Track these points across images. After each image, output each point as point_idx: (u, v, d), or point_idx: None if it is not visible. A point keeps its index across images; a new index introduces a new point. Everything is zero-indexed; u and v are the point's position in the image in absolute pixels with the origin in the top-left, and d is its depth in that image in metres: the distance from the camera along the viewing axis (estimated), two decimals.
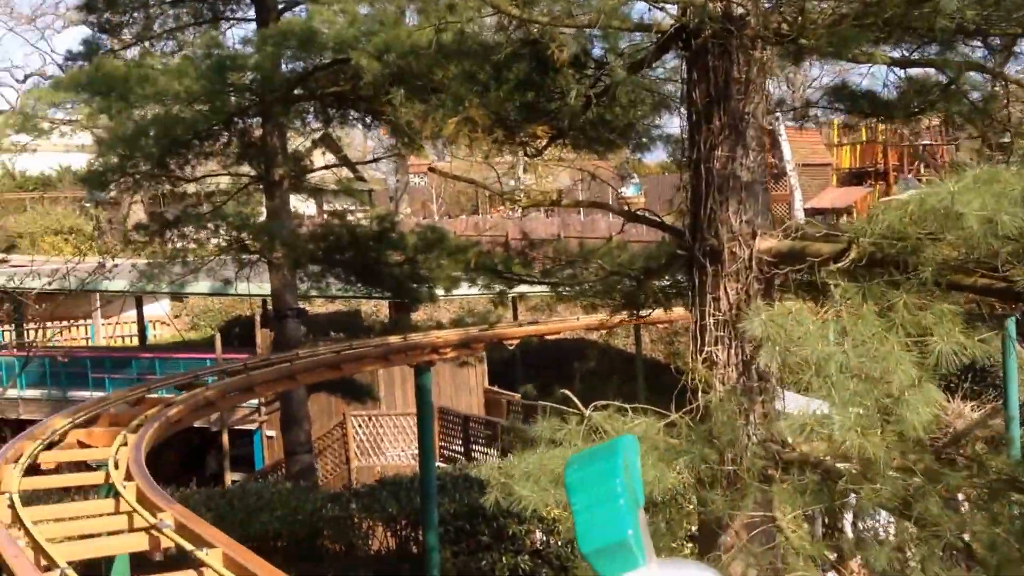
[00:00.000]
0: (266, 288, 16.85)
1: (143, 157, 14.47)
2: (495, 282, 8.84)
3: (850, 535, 7.71)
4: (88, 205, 44.04)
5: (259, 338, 25.46)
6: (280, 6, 16.35)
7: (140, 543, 5.18)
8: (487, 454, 23.20)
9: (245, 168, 16.15)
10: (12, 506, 5.34)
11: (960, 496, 5.90)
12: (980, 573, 5.53)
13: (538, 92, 6.68)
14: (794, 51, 6.42)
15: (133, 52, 16.08)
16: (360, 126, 18.32)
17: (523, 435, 7.13)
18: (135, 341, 37.60)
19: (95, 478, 6.32)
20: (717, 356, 6.13)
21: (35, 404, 26.73)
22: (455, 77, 7.18)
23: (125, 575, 5.67)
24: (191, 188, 16.97)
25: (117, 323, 38.49)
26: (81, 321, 39.26)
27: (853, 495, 5.91)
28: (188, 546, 4.75)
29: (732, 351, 6.12)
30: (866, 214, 5.67)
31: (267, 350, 25.07)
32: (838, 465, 5.61)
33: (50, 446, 7.04)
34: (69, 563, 4.63)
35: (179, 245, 16.16)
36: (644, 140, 8.50)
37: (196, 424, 26.01)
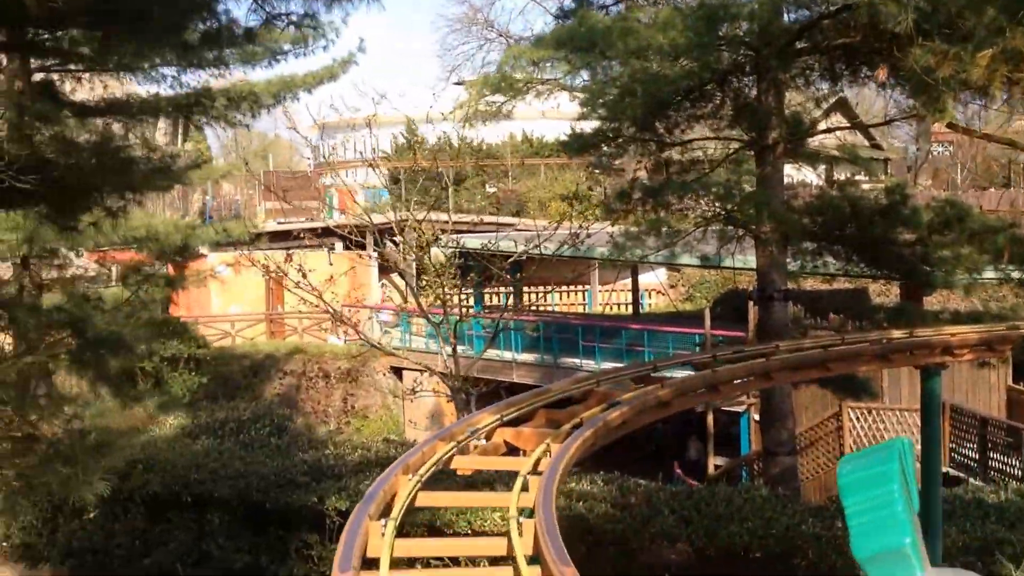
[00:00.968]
0: (753, 263, 15.37)
1: (628, 120, 13.58)
2: None
3: None
4: (595, 171, 45.26)
5: (751, 316, 24.09)
6: None
7: None
8: (1007, 465, 20.15)
9: (735, 132, 14.72)
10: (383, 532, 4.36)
11: None
12: None
13: None
14: None
15: (621, 8, 15.22)
16: (873, 84, 16.11)
17: None
18: (630, 309, 38.05)
19: (494, 501, 5.35)
20: None
21: (527, 368, 27.46)
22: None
23: None
24: (675, 154, 15.86)
25: (612, 290, 39.07)
26: (578, 287, 40.56)
27: None
28: None
29: None
30: None
31: (753, 333, 23.59)
32: None
33: (463, 450, 6.13)
34: None
35: (662, 215, 15.18)
36: None
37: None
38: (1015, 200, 35.30)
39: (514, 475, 5.57)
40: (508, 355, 27.31)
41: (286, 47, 20.42)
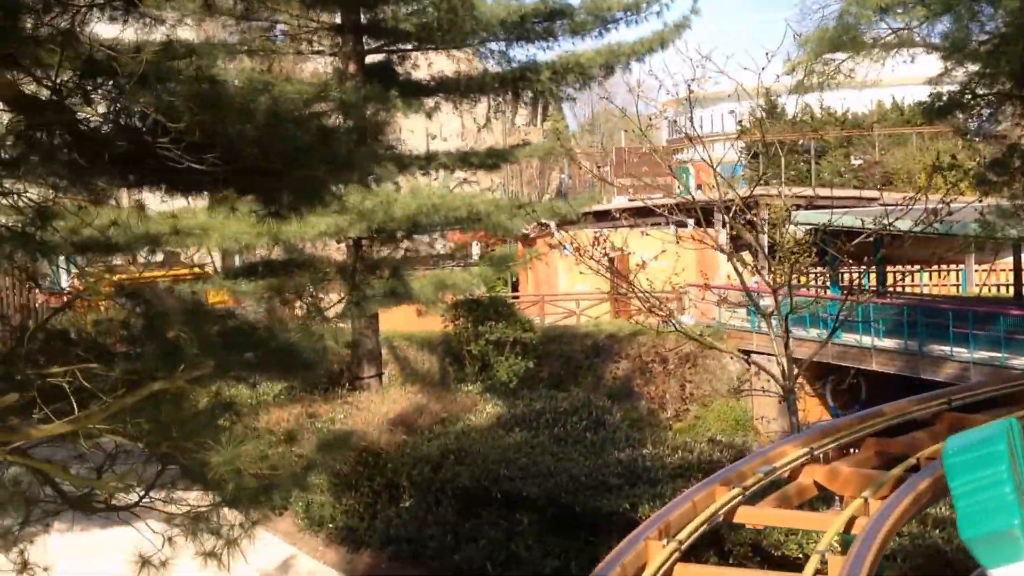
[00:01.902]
0: None
1: (1003, 73, 11.39)
2: None
3: None
4: (972, 139, 40.77)
5: None
6: None
7: None
8: None
9: None
10: None
11: None
12: None
13: None
14: None
15: None
16: None
17: None
18: (1011, 291, 33.98)
19: None
20: None
21: (887, 356, 24.89)
22: None
23: None
24: None
25: (991, 270, 35.01)
26: (950, 267, 36.80)
27: None
28: None
29: None
30: None
31: None
32: None
33: (757, 494, 4.79)
34: None
35: None
36: None
37: None
38: None
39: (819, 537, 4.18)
40: (867, 340, 24.85)
41: (617, 14, 19.44)
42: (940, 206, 12.35)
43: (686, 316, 32.03)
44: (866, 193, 34.54)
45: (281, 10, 17.48)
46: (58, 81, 5.33)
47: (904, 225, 15.96)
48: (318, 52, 18.98)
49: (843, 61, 12.73)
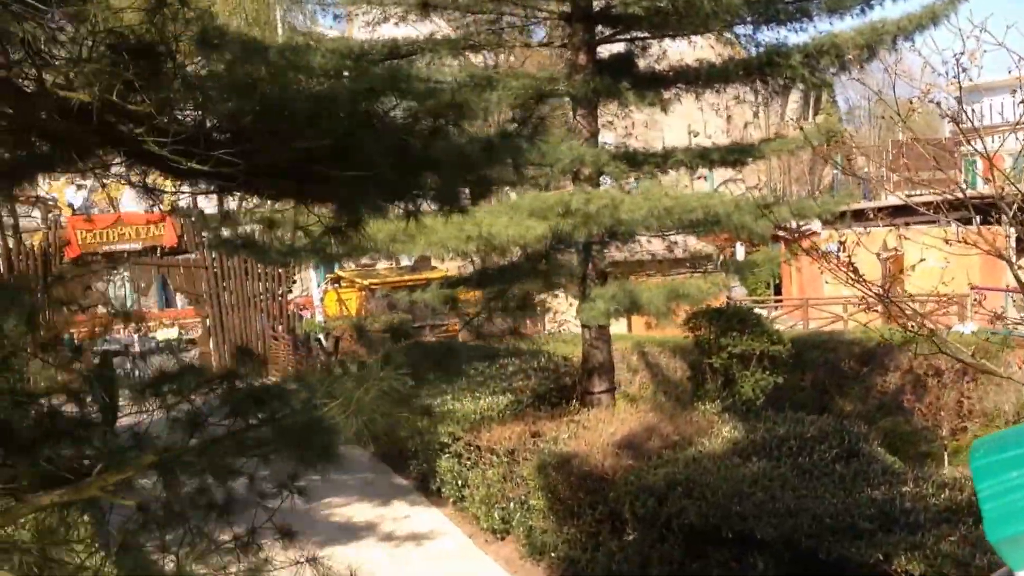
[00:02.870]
0: None
1: None
2: None
3: None
4: None
5: None
6: None
7: None
8: None
9: None
10: None
11: None
12: None
13: None
14: None
15: None
16: None
17: None
18: None
19: None
20: None
21: None
22: None
23: None
24: None
25: None
26: None
27: None
28: None
29: None
30: None
31: None
32: None
33: None
34: None
35: None
36: None
37: None
38: None
39: None
40: None
41: None
42: None
43: (967, 324, 29.26)
44: None
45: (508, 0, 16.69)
46: None
47: None
48: (546, 44, 18.10)
49: None
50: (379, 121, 5.04)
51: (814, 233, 35.03)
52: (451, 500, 16.24)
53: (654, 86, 16.97)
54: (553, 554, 14.09)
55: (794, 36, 17.86)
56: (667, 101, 17.03)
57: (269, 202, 7.33)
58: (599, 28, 17.26)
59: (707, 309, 18.88)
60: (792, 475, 11.93)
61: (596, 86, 16.39)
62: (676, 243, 19.81)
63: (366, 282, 33.39)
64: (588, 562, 13.36)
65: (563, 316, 27.23)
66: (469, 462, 15.78)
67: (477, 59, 23.99)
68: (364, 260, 29.12)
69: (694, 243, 27.39)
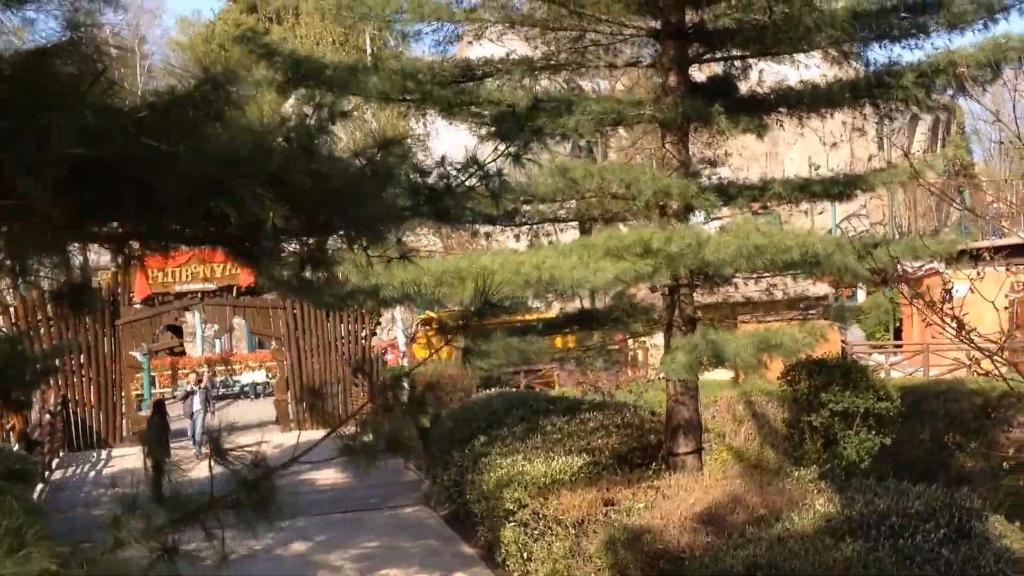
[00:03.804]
0: None
1: None
2: None
3: None
4: None
5: None
6: None
7: None
8: None
9: None
10: None
11: None
12: None
13: None
14: None
15: None
16: None
17: None
18: None
19: None
20: None
21: None
22: None
23: None
24: None
25: None
26: None
27: None
28: None
29: None
30: None
31: None
32: None
33: None
34: None
35: None
36: None
37: None
38: None
39: None
40: None
41: (1008, 1, 15.58)
42: None
43: None
44: None
45: (593, 16, 15.28)
46: None
47: None
48: (633, 64, 16.63)
49: None
50: None
51: (935, 273, 32.68)
52: (515, 574, 14.67)
53: (751, 110, 15.37)
54: None
55: (908, 54, 16.07)
56: (766, 127, 15.39)
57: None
58: (693, 47, 15.76)
59: (806, 360, 17.02)
60: (890, 561, 10.11)
61: (686, 110, 14.87)
62: (775, 285, 18.03)
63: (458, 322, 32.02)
64: None
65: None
66: (535, 532, 14.24)
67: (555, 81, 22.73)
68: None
69: (800, 284, 25.48)
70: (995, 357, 7.46)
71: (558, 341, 21.99)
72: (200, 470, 5.10)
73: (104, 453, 28.80)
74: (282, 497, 5.13)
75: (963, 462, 21.95)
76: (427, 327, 33.96)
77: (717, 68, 16.59)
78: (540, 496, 14.47)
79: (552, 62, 16.48)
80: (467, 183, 5.87)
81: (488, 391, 23.72)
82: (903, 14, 15.56)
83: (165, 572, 4.52)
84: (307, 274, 5.67)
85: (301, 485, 19.29)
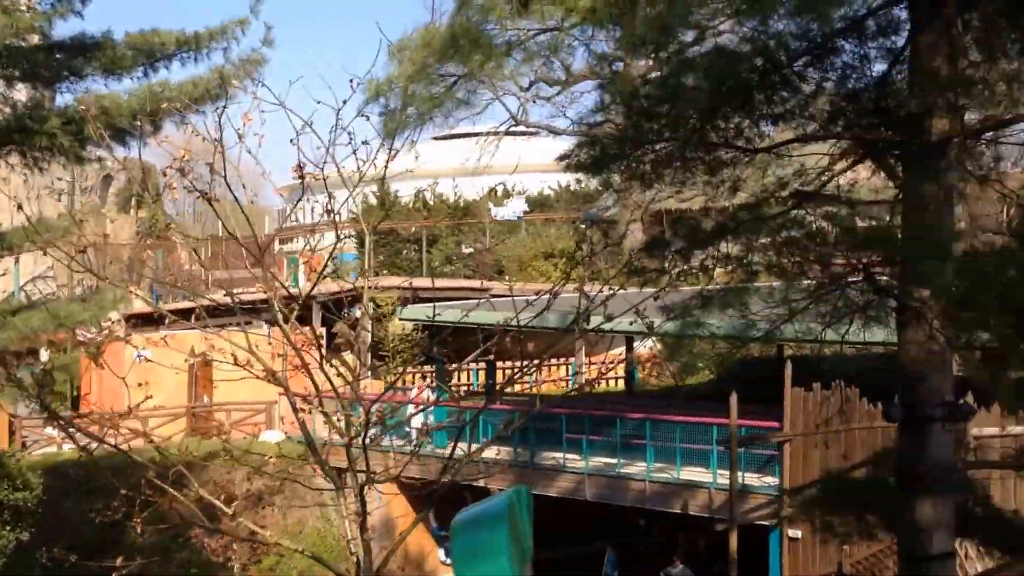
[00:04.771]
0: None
1: (677, 120, 8.37)
2: None
3: None
4: (582, 225, 39.75)
5: (787, 401, 19.29)
6: None
7: None
8: None
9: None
10: None
11: None
12: None
13: None
14: None
15: None
16: None
17: None
18: (620, 384, 32.69)
19: None
20: None
21: (497, 468, 22.03)
22: None
23: None
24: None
25: (604, 363, 33.32)
26: (559, 361, 35.19)
27: None
28: None
29: None
30: None
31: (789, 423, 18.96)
32: None
33: None
34: None
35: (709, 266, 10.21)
36: None
37: (692, 512, 20.19)
38: None
39: None
40: (489, 453, 21.82)
41: (172, 50, 15.24)
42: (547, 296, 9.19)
43: (273, 431, 28.39)
44: (473, 283, 32.06)
45: None
46: None
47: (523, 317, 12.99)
48: None
49: (457, 79, 9.27)
50: None
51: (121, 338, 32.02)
52: None
53: None
54: None
55: (60, 98, 14.92)
56: None
57: None
58: None
59: None
60: None
61: None
62: None
63: None
64: None
65: None
66: None
67: None
68: None
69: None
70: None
71: None
72: None
73: None
74: None
75: (135, 537, 21.14)
76: None
77: None
78: None
79: None
80: None
81: None
82: (58, 54, 14.46)
83: None
84: None
85: None
